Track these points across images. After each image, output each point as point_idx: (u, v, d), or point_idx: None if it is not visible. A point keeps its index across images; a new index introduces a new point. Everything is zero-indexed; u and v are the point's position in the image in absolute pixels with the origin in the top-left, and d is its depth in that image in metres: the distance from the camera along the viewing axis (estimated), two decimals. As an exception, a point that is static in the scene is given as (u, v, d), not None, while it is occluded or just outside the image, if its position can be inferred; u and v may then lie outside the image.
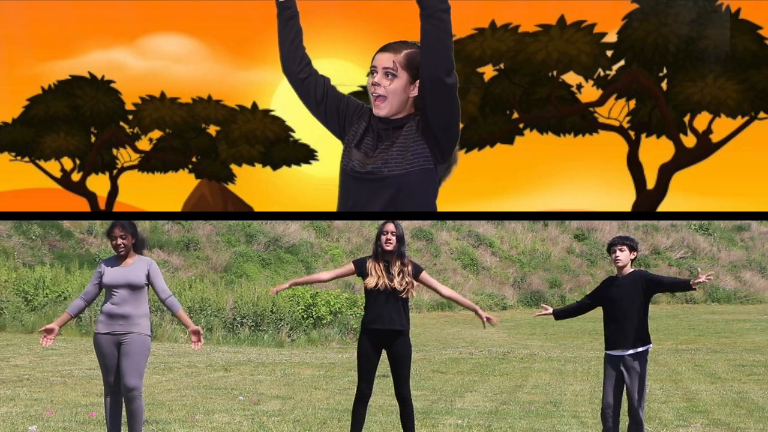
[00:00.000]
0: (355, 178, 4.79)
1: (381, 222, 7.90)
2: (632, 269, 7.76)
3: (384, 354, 7.88)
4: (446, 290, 8.05)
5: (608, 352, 7.72)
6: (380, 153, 4.77)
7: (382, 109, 4.76)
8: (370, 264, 7.77)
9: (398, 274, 7.73)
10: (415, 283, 7.81)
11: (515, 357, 17.70)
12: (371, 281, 7.70)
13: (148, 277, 7.54)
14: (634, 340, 7.62)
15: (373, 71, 4.75)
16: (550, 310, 7.96)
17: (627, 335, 7.63)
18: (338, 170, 4.94)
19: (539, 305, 7.93)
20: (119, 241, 7.53)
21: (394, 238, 7.73)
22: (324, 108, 4.96)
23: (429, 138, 4.73)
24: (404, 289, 7.72)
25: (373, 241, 7.95)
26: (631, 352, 7.63)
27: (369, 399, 7.83)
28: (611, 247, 7.74)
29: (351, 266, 7.87)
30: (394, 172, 4.70)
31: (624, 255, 7.69)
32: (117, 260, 7.59)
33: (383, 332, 7.74)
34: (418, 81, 4.72)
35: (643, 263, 32.80)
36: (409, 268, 7.78)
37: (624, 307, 7.64)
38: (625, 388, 7.68)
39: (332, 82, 4.98)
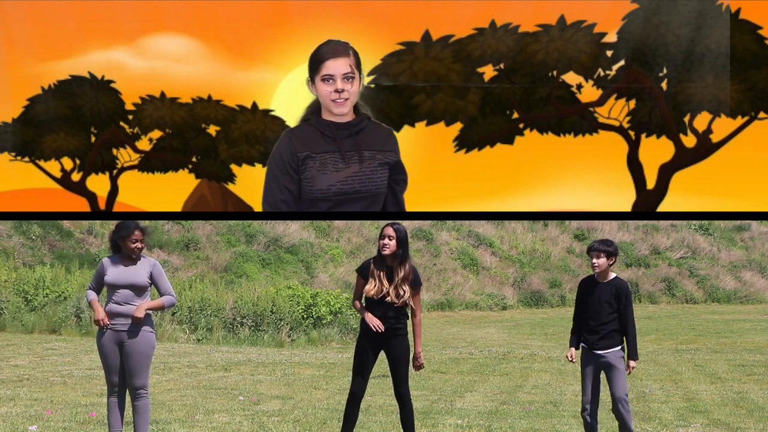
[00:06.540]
0: (348, 199, 4.92)
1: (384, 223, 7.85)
2: (613, 276, 8.05)
3: (381, 355, 7.88)
4: (417, 319, 7.88)
5: (586, 350, 8.00)
6: (353, 164, 4.92)
7: (345, 108, 4.94)
8: (372, 269, 7.72)
9: (399, 283, 7.68)
10: (412, 294, 7.76)
11: (515, 357, 17.69)
12: (370, 289, 7.69)
13: (151, 277, 7.54)
14: (612, 340, 7.94)
15: (328, 79, 4.88)
16: (572, 352, 8.14)
17: (605, 336, 7.95)
18: None
19: (566, 356, 8.20)
20: (140, 245, 7.50)
21: (392, 242, 7.66)
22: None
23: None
24: (401, 301, 7.70)
25: (377, 243, 7.89)
26: (610, 350, 7.93)
27: (361, 400, 7.82)
28: (590, 252, 7.97)
29: (360, 279, 7.79)
30: (380, 190, 4.98)
31: (601, 261, 7.95)
32: (121, 259, 7.56)
33: (381, 335, 7.73)
34: (361, 75, 4.99)
35: (643, 263, 32.80)
36: (410, 278, 7.73)
37: (603, 312, 7.93)
38: (609, 386, 7.95)
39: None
